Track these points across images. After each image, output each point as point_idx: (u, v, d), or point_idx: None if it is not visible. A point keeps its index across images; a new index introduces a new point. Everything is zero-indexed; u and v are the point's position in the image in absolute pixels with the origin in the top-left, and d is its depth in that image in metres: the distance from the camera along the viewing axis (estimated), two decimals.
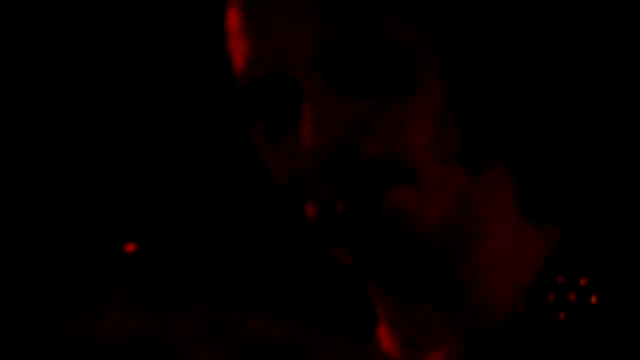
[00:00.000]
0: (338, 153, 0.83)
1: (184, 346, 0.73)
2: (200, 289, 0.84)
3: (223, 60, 0.90)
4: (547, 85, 0.89)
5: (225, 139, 0.97)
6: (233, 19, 0.88)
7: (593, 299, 0.87)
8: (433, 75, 0.85)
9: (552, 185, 0.91)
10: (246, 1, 0.86)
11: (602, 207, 0.95)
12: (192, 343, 0.73)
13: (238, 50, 0.87)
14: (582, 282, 0.88)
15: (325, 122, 0.83)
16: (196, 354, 0.72)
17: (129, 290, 0.72)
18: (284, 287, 1.13)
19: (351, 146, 0.83)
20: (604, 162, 0.99)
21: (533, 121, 0.89)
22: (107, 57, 1.47)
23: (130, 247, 0.88)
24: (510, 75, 0.87)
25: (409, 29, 0.84)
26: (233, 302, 0.84)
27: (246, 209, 1.08)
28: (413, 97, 0.84)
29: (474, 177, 0.87)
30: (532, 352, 0.86)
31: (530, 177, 0.90)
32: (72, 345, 0.74)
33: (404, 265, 0.86)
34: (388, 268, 0.87)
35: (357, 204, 0.84)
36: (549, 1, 0.89)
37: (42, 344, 0.73)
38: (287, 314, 0.89)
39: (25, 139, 1.63)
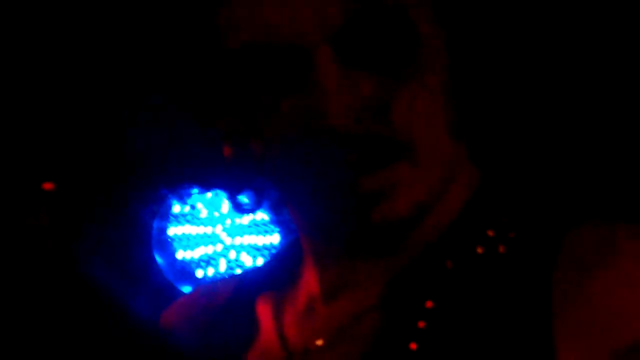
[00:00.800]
0: (343, 128, 0.84)
1: None
2: None
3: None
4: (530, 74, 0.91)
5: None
6: None
7: (511, 235, 0.88)
8: (438, 55, 0.87)
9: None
10: None
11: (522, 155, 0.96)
12: None
13: (243, 17, 0.86)
14: (504, 219, 0.90)
15: (334, 96, 0.83)
16: None
17: None
18: None
19: (357, 121, 0.84)
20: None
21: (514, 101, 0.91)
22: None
23: (48, 186, 0.88)
24: (507, 58, 0.89)
25: (420, 12, 0.85)
26: None
27: None
28: (420, 77, 0.85)
29: (459, 148, 0.90)
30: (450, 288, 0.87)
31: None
32: None
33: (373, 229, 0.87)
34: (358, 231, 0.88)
35: (354, 177, 0.84)
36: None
37: None
38: None
39: None
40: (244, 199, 0.97)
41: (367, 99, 0.84)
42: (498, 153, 0.92)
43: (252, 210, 0.97)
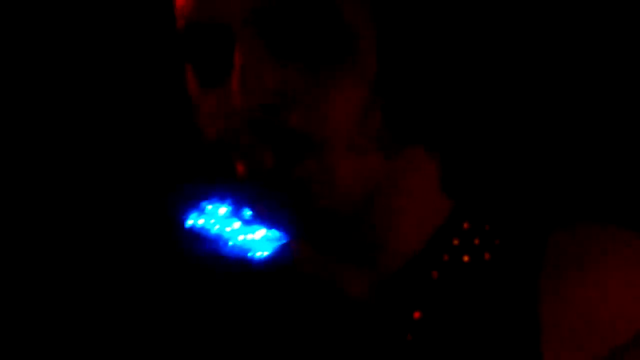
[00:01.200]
0: (261, 115, 0.81)
1: None
2: None
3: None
4: (472, 76, 0.89)
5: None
6: None
7: (496, 241, 0.89)
8: (367, 52, 0.83)
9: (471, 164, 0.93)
10: None
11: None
12: None
13: None
14: (487, 227, 0.89)
15: (252, 81, 0.81)
16: None
17: None
18: None
19: (274, 110, 0.81)
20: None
21: (458, 108, 0.89)
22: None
23: None
24: (443, 61, 0.86)
25: (352, 4, 0.82)
26: None
27: None
28: (343, 71, 0.82)
29: (391, 157, 0.85)
30: (440, 295, 0.87)
31: (452, 158, 0.91)
32: None
33: (313, 228, 0.85)
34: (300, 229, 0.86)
35: (271, 168, 0.82)
36: None
37: None
38: None
39: None
40: (247, 212, 0.97)
41: (282, 89, 0.81)
42: (454, 159, 0.90)
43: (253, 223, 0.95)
